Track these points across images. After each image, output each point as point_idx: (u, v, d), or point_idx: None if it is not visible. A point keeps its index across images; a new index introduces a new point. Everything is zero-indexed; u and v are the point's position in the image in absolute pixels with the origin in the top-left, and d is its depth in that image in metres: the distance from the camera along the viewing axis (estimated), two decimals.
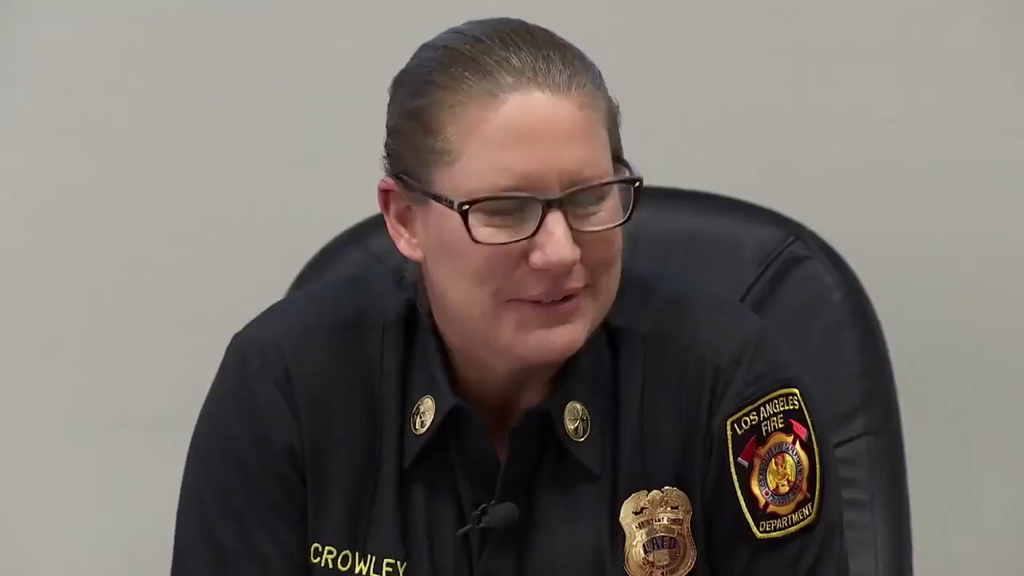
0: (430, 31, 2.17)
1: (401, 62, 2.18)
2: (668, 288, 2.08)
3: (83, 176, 3.24)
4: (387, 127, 1.95)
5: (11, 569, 3.28)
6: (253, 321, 2.11)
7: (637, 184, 1.89)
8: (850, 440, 2.47)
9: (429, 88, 1.92)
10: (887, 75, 3.25)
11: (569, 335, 1.92)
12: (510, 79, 1.87)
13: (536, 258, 1.83)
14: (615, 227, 1.89)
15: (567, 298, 1.90)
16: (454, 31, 1.96)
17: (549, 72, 1.88)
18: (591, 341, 1.99)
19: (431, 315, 1.99)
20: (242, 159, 3.15)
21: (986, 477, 3.23)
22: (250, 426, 2.09)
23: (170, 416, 2.78)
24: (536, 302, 1.88)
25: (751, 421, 2.03)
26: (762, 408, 2.03)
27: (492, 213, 1.86)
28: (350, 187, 2.65)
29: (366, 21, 3.14)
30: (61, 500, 3.25)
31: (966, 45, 3.25)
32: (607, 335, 2.03)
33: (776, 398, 2.03)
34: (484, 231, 1.85)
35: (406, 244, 1.94)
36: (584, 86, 1.88)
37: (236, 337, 2.08)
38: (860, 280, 2.68)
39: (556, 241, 1.84)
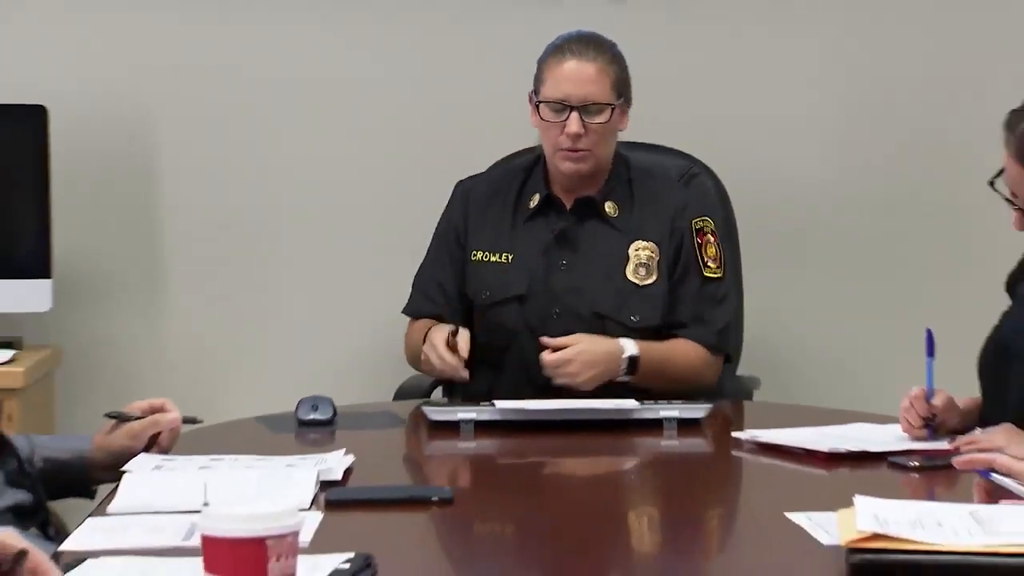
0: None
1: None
2: (639, 163, 3.50)
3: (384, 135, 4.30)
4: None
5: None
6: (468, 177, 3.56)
7: (614, 107, 3.29)
8: None
9: (543, 57, 3.39)
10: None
11: (579, 167, 3.33)
12: (567, 54, 3.34)
13: (565, 129, 3.28)
14: (603, 123, 3.29)
15: (580, 151, 3.30)
16: (559, 36, 3.41)
17: (584, 53, 3.33)
18: (618, 173, 3.43)
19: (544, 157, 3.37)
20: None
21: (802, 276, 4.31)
22: (448, 215, 3.55)
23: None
24: (565, 149, 3.30)
25: (697, 226, 3.42)
26: (703, 222, 3.44)
27: (551, 108, 3.31)
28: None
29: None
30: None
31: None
32: (627, 176, 3.42)
33: (706, 219, 3.45)
34: (548, 113, 3.29)
35: (534, 120, 3.37)
36: (598, 60, 3.31)
37: (457, 183, 3.56)
38: (724, 184, 3.92)
39: (571, 124, 3.29)
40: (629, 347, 3.28)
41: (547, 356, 3.21)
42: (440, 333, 3.26)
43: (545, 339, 3.24)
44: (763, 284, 4.11)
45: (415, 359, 3.44)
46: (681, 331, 3.40)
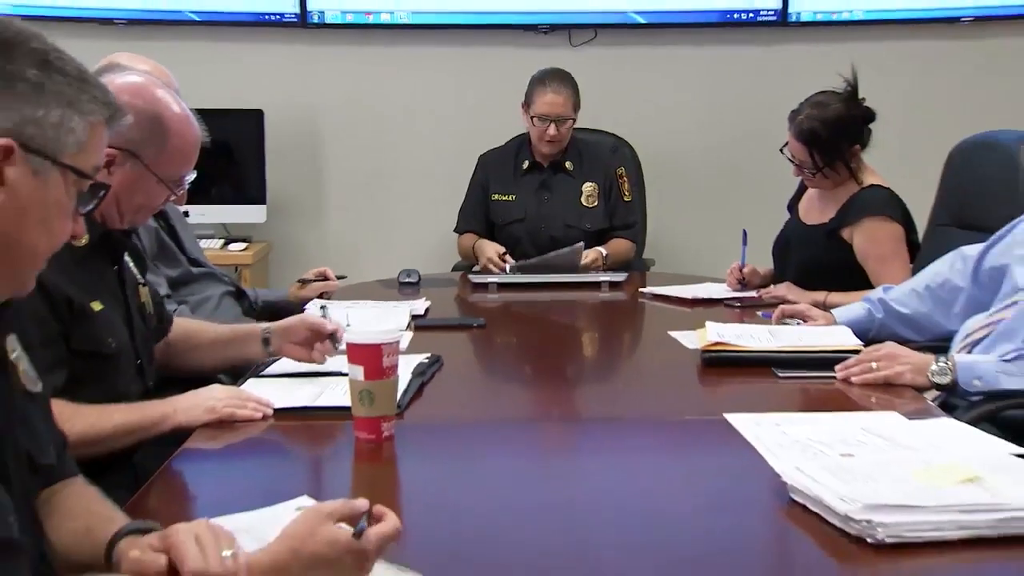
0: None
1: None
2: (582, 139, 3.29)
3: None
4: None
5: None
6: (486, 151, 3.33)
7: (574, 118, 3.11)
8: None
9: (533, 82, 3.19)
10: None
11: (553, 151, 3.16)
12: (547, 85, 3.11)
13: (546, 131, 3.11)
14: (568, 127, 3.12)
15: (555, 142, 3.13)
16: (539, 71, 3.16)
17: (559, 88, 3.11)
18: (571, 146, 3.20)
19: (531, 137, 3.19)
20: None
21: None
22: (476, 174, 3.33)
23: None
24: (546, 141, 3.12)
25: (618, 172, 3.27)
26: (620, 170, 3.26)
27: (538, 119, 3.09)
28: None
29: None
30: None
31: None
32: (577, 147, 3.24)
33: (621, 168, 3.28)
34: (537, 122, 3.08)
35: (525, 119, 3.15)
36: (566, 91, 3.09)
37: (480, 155, 3.30)
38: (637, 152, 3.71)
39: (551, 130, 3.11)
40: (604, 250, 3.14)
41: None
42: (490, 248, 3.07)
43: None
44: (659, 207, 3.86)
45: (465, 255, 3.28)
46: (618, 233, 3.28)
